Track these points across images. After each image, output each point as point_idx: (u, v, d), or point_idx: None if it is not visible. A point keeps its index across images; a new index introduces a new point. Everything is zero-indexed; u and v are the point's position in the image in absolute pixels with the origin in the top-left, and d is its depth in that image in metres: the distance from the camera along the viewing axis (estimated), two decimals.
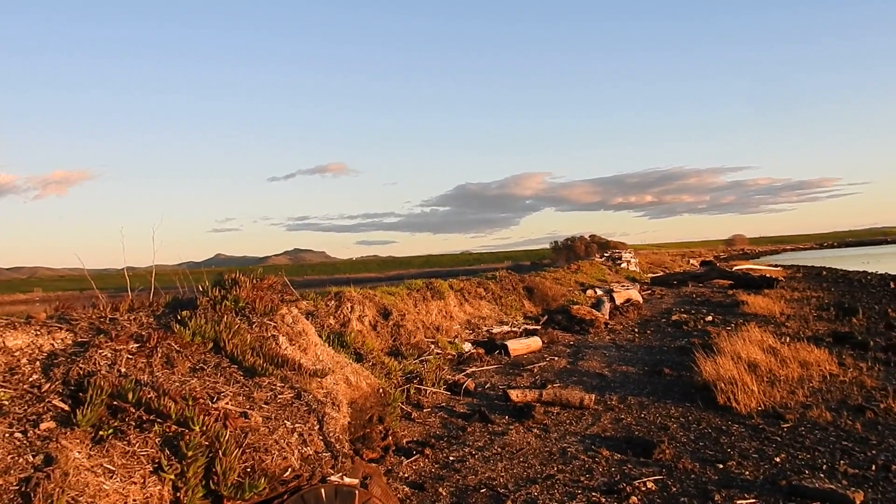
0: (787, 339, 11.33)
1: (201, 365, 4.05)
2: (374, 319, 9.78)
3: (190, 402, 3.45)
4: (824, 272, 37.95)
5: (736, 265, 44.31)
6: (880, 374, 9.21)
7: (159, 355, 3.91)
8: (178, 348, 4.03)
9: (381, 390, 5.62)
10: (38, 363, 3.54)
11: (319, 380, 4.38)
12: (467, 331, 12.35)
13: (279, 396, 3.98)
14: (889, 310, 17.23)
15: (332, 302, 9.32)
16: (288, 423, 3.76)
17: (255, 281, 5.20)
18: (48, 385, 3.38)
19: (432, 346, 9.97)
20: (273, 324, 4.89)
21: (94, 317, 4.21)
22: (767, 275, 30.86)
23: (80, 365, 3.55)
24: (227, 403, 3.70)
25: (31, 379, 3.41)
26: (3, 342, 3.55)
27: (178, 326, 4.25)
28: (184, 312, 4.54)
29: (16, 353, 3.54)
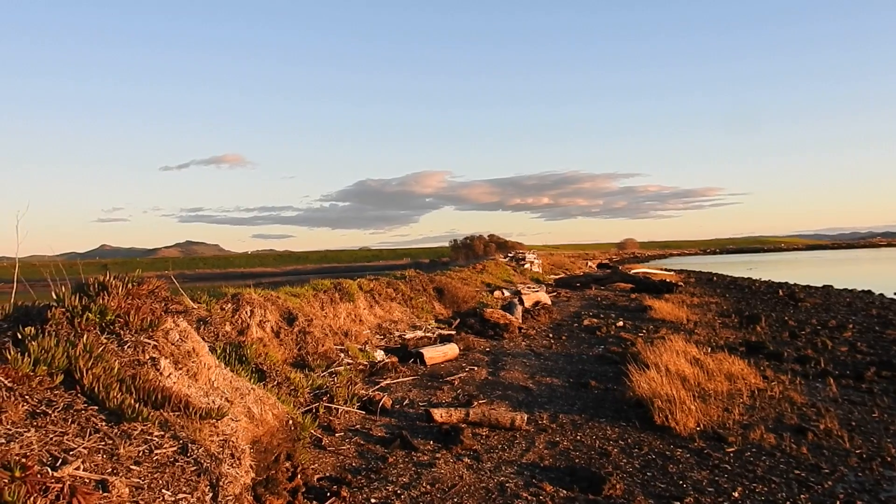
0: (706, 348, 11.10)
1: (44, 408, 2.89)
2: (278, 325, 8.62)
3: (17, 474, 2.32)
4: (715, 278, 39.56)
5: (633, 268, 45.54)
6: (803, 389, 9.03)
7: None
8: (9, 384, 2.86)
9: (289, 421, 4.56)
10: None
11: (214, 422, 3.30)
12: (378, 336, 11.36)
13: (156, 452, 2.89)
14: (786, 318, 17.70)
15: (229, 305, 8.10)
16: (168, 494, 2.68)
17: (130, 286, 4.02)
18: None
19: (342, 356, 8.92)
20: (153, 342, 3.75)
21: None
22: (667, 279, 31.64)
23: None
24: (77, 469, 2.58)
25: None
26: None
27: (13, 351, 3.06)
28: (26, 329, 3.34)
29: None
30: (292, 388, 6.30)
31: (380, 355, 10.06)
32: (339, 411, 6.97)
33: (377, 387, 8.35)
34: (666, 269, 49.77)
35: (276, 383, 5.99)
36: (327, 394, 7.11)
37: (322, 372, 7.87)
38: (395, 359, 10.07)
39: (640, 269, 43.18)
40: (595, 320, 17.15)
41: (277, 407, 4.61)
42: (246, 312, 8.14)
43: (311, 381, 7.12)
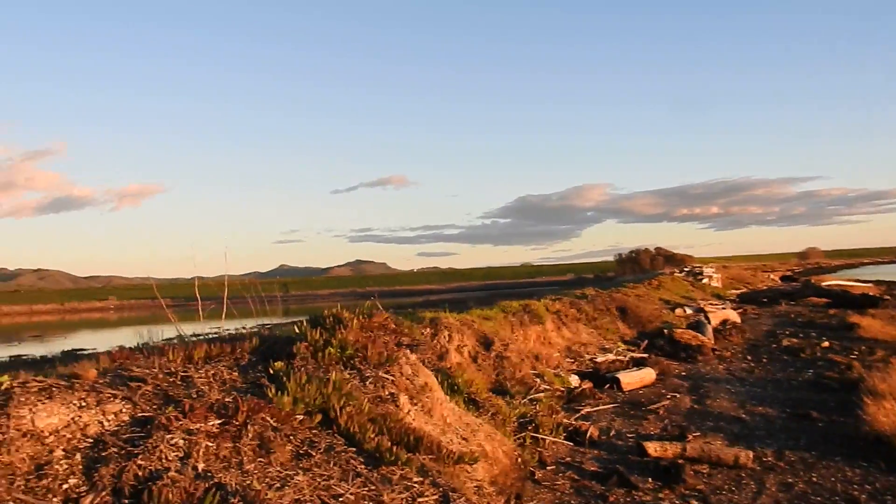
0: None
1: (307, 449, 2.83)
2: (474, 350, 8.52)
3: None
4: None
5: (824, 280, 41.36)
6: None
7: (250, 436, 2.72)
8: (274, 423, 2.83)
9: (518, 458, 4.32)
10: (78, 456, 2.38)
11: (467, 467, 3.10)
12: (568, 359, 10.95)
13: (419, 500, 2.72)
14: None
15: (428, 329, 8.12)
16: None
17: (362, 318, 3.97)
18: (91, 498, 2.20)
19: (538, 381, 8.63)
20: (390, 377, 3.65)
21: (160, 374, 3.05)
22: (868, 292, 28.33)
23: (140, 461, 2.37)
24: None
25: (65, 485, 2.25)
26: (33, 421, 2.41)
27: (272, 388, 3.06)
28: (277, 364, 3.35)
29: (48, 440, 2.39)
30: (501, 418, 6.09)
31: (574, 380, 9.65)
32: (547, 442, 6.65)
33: (578, 415, 7.95)
34: (861, 281, 44.75)
35: (489, 414, 5.80)
36: (532, 423, 6.83)
37: (522, 399, 7.62)
38: (590, 384, 9.60)
39: (833, 282, 39.09)
40: (795, 340, 15.53)
41: (506, 443, 4.39)
42: (444, 337, 8.12)
43: (515, 410, 6.88)
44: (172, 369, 3.14)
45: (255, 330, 4.53)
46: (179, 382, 3.02)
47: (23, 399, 2.50)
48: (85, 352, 34.55)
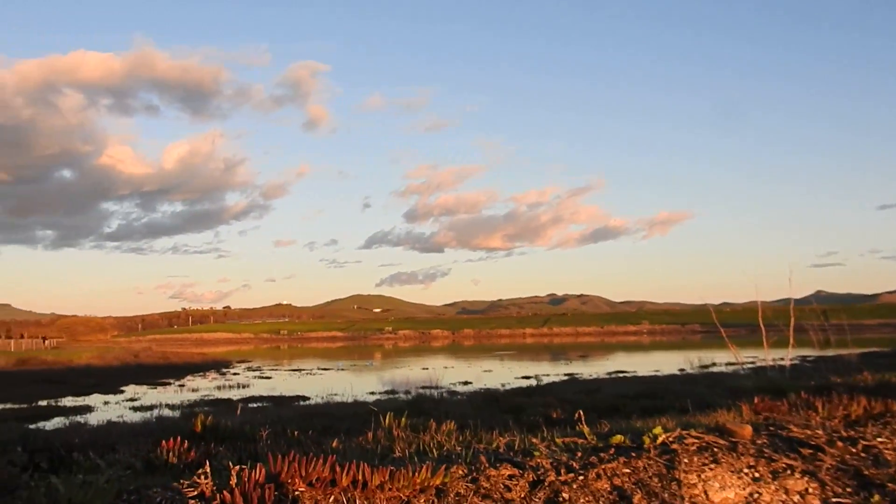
0: None
1: None
2: None
3: None
4: None
5: None
6: None
7: None
8: None
9: None
10: None
11: None
12: None
13: None
14: None
15: None
16: None
17: None
18: None
19: None
20: None
21: (828, 437, 2.34)
22: None
23: None
24: None
25: None
26: (705, 493, 1.96)
27: None
28: None
29: None
30: None
31: None
32: None
33: None
34: None
35: None
36: None
37: None
38: None
39: None
40: None
41: None
42: None
43: None
44: (843, 433, 2.39)
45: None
46: (862, 454, 2.26)
47: (686, 461, 2.13)
48: (625, 374, 36.67)
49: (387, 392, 29.79)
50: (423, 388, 32.44)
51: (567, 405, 10.51)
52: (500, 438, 4.68)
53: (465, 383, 34.48)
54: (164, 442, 3.85)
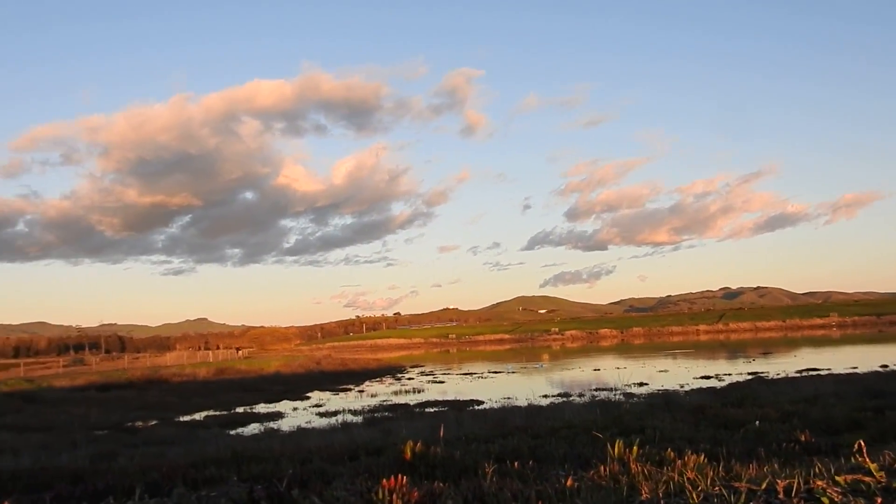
0: None
1: None
2: None
3: None
4: None
5: None
6: None
7: None
8: None
9: None
10: None
11: None
12: None
13: None
14: None
15: None
16: None
17: None
18: None
19: None
20: None
21: None
22: None
23: None
24: None
25: None
26: None
27: None
28: None
29: None
30: None
31: None
32: None
33: None
34: None
35: None
36: None
37: None
38: None
39: None
40: None
41: None
42: None
43: None
44: None
45: None
46: None
47: None
48: (818, 371, 32.90)
49: (560, 395, 28.92)
50: (597, 389, 31.28)
51: (796, 420, 9.02)
52: (775, 479, 3.75)
53: (641, 384, 32.83)
54: (384, 481, 3.42)
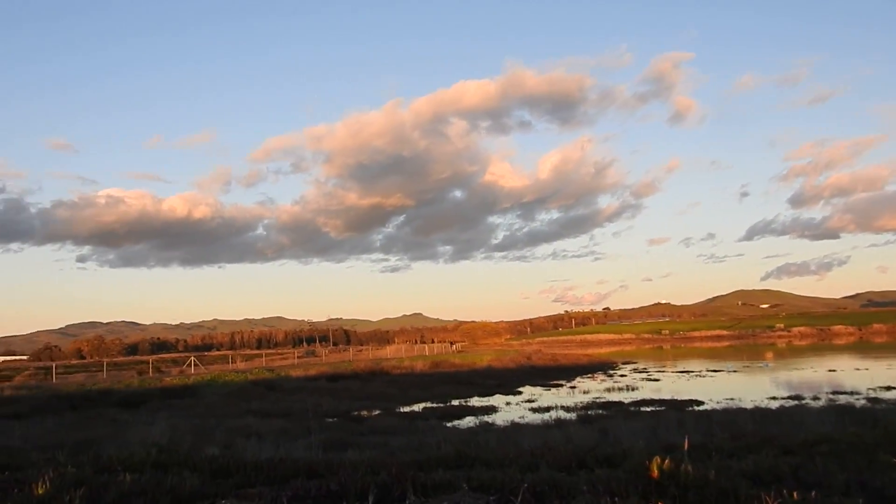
0: None
1: None
2: None
3: None
4: None
5: None
6: None
7: None
8: None
9: None
10: None
11: None
12: None
13: None
14: None
15: None
16: None
17: None
18: None
19: None
20: None
21: None
22: None
23: None
24: None
25: None
26: None
27: None
28: None
29: None
30: None
31: None
32: None
33: None
34: None
35: None
36: None
37: None
38: None
39: None
40: None
41: None
42: None
43: None
44: None
45: None
46: None
47: None
48: None
49: (791, 398, 26.11)
50: (834, 393, 27.94)
51: None
52: None
53: (888, 388, 29.09)
54: None
